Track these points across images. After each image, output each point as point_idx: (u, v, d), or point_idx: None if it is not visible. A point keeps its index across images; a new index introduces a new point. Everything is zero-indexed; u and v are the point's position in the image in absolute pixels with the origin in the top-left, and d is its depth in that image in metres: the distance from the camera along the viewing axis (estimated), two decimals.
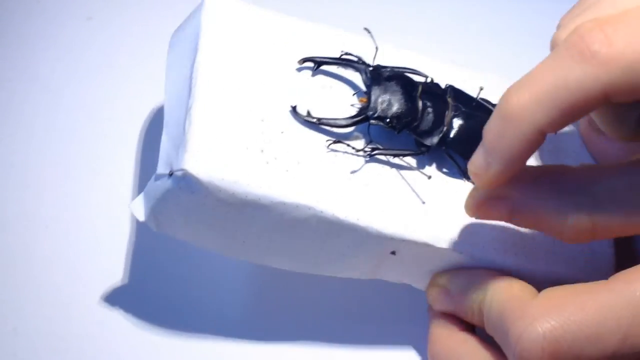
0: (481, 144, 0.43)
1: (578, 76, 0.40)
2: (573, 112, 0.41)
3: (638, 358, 0.43)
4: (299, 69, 0.50)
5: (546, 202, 0.44)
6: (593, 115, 0.46)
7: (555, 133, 0.42)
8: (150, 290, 0.53)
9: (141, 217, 0.47)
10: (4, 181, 0.56)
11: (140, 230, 0.54)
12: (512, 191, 0.44)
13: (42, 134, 0.57)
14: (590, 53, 0.40)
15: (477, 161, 0.44)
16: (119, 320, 0.52)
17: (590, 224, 0.44)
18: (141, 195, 0.47)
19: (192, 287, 0.53)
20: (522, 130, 0.41)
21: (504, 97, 0.42)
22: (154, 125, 0.58)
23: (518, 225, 0.46)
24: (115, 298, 0.52)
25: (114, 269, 0.53)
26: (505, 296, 0.45)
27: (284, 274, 0.54)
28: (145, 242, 0.54)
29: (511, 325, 0.43)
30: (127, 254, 0.54)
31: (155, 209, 0.46)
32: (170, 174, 0.45)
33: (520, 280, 0.46)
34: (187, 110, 0.46)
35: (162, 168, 0.46)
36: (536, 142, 0.42)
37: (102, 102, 0.59)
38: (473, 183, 0.46)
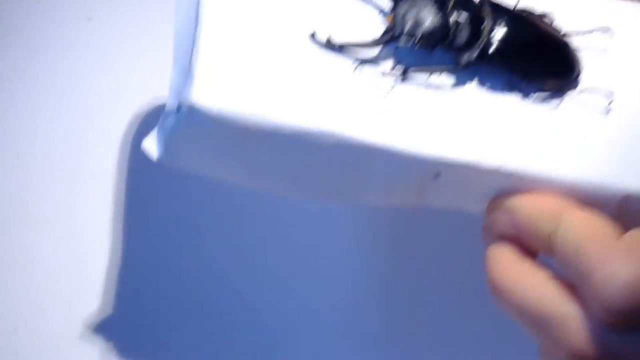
0: None
1: None
2: None
3: None
4: None
5: None
6: None
7: None
8: (150, 290, 0.53)
9: (154, 156, 0.44)
10: (4, 181, 0.56)
11: (141, 230, 0.55)
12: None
13: (42, 135, 0.57)
14: None
15: None
16: (119, 320, 0.52)
17: None
18: (154, 133, 0.44)
19: (192, 286, 0.54)
20: None
21: None
22: (155, 124, 0.58)
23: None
24: (115, 298, 0.52)
25: (114, 269, 0.53)
26: (583, 233, 0.40)
27: (282, 281, 0.54)
28: (146, 242, 0.54)
29: (593, 270, 0.39)
30: (127, 254, 0.54)
31: (168, 145, 0.43)
32: (179, 108, 0.42)
33: (599, 215, 0.41)
34: (195, 37, 0.43)
35: (171, 103, 0.43)
36: None
37: (102, 102, 0.59)
38: (522, 96, 0.44)
